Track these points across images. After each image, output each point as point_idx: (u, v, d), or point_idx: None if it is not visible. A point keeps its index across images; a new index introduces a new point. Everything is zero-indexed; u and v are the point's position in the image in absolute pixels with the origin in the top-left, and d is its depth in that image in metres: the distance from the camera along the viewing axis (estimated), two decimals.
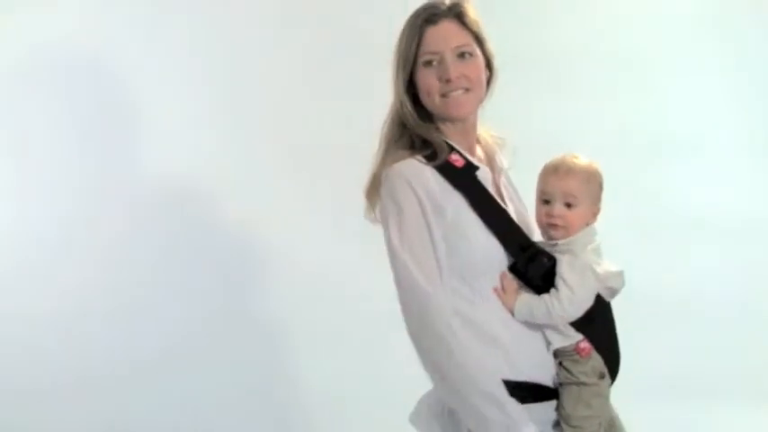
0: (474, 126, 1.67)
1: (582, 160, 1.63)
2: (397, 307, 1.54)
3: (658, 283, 3.12)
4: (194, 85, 3.02)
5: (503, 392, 1.48)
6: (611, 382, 1.63)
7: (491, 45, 1.64)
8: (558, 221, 1.58)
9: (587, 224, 1.61)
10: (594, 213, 1.62)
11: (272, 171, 3.05)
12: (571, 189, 1.58)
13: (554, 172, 1.61)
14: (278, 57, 3.09)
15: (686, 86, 3.28)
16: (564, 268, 1.55)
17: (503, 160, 1.73)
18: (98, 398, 2.90)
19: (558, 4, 3.30)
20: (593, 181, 1.61)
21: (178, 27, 3.01)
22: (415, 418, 1.65)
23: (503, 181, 1.71)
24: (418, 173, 1.54)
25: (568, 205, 1.58)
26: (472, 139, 1.67)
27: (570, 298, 1.52)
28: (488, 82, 1.65)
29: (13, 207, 2.96)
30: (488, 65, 1.64)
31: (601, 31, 3.26)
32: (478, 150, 1.69)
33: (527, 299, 1.56)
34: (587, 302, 1.56)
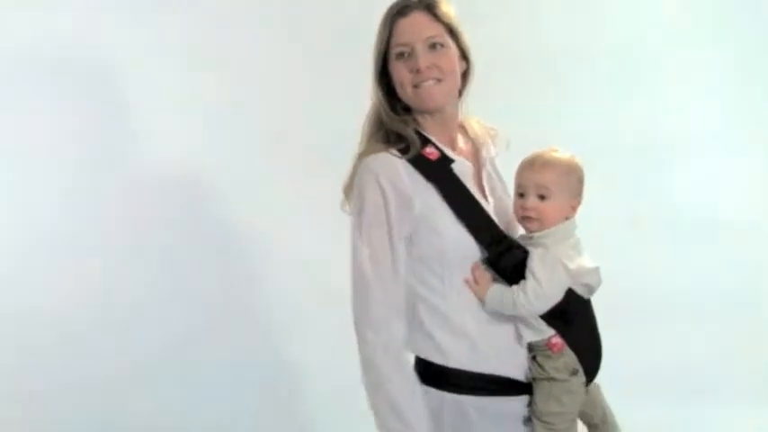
0: (453, 117, 1.65)
1: (560, 154, 1.61)
2: None
3: (658, 283, 3.12)
4: (195, 86, 3.02)
5: (409, 405, 1.50)
6: (590, 381, 1.61)
7: (466, 37, 1.62)
8: (532, 214, 1.57)
9: (566, 218, 1.59)
10: (573, 207, 1.60)
11: (273, 171, 3.04)
12: (545, 181, 1.56)
13: (530, 165, 1.60)
14: (278, 56, 3.08)
15: (686, 86, 3.27)
16: (534, 261, 1.53)
17: (491, 150, 1.71)
18: (98, 398, 2.90)
19: (559, 3, 3.30)
20: (571, 174, 1.59)
21: (178, 26, 3.00)
22: None
23: (488, 173, 1.69)
24: (388, 166, 1.54)
25: (542, 197, 1.57)
26: (452, 130, 1.65)
27: (536, 291, 1.51)
28: (466, 74, 1.64)
29: (13, 207, 2.95)
30: (465, 57, 1.63)
31: (600, 31, 3.25)
32: (461, 142, 1.68)
33: (498, 288, 1.55)
34: (555, 297, 1.54)
